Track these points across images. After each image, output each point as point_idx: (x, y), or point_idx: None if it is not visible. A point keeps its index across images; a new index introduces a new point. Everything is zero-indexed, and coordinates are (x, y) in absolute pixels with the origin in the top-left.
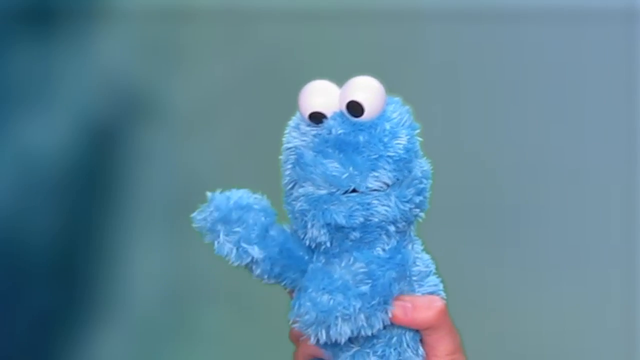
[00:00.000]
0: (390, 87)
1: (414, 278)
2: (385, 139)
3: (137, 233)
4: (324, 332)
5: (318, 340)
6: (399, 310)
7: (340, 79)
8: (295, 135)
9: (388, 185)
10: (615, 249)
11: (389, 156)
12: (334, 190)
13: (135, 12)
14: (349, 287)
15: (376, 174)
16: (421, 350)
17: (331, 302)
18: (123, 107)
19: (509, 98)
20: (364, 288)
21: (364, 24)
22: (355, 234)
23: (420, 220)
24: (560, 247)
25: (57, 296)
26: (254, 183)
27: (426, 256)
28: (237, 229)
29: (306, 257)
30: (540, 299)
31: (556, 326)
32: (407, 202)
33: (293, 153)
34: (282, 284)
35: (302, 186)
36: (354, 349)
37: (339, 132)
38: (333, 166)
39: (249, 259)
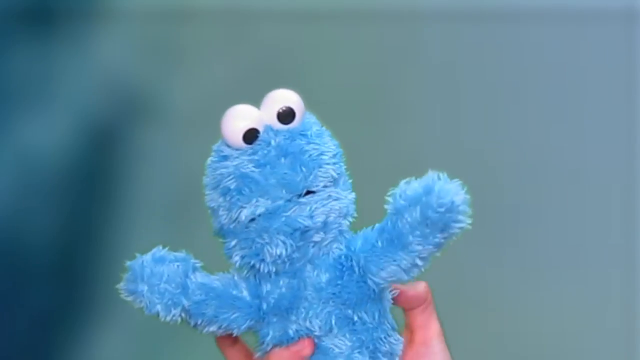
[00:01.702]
0: (391, 87)
1: None
2: (318, 140)
3: (137, 233)
4: None
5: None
6: (395, 291)
7: (340, 79)
8: (227, 164)
9: (333, 180)
10: (615, 249)
11: (327, 151)
12: (289, 196)
13: (135, 12)
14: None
15: (323, 169)
16: (399, 336)
17: None
18: (123, 107)
19: (509, 98)
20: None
21: (364, 24)
22: (319, 235)
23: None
24: (560, 247)
25: (57, 296)
26: None
27: None
28: (158, 282)
29: (240, 294)
30: (540, 299)
31: (556, 326)
32: (350, 193)
33: (232, 180)
34: (224, 326)
35: (256, 205)
36: (346, 353)
37: (278, 140)
38: (284, 172)
39: (179, 309)
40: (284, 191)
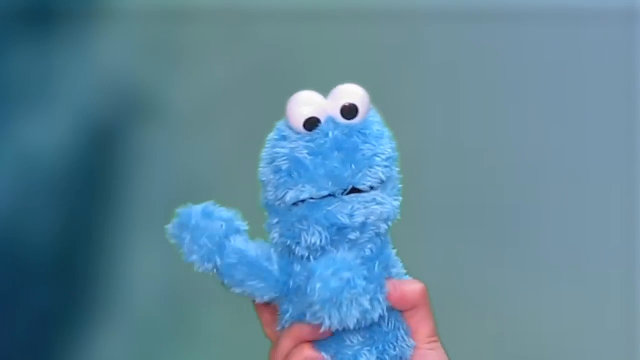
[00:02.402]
0: (390, 87)
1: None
2: (375, 141)
3: (137, 233)
4: (336, 312)
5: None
6: (389, 286)
7: (340, 79)
8: (284, 145)
9: (381, 183)
10: (615, 249)
11: (381, 153)
12: (335, 189)
13: (135, 12)
14: (352, 267)
15: (373, 170)
16: (412, 342)
17: (340, 282)
18: (123, 107)
19: (509, 98)
20: (365, 271)
21: (364, 24)
22: (355, 234)
23: (397, 221)
24: (560, 247)
25: (57, 296)
26: (253, 183)
27: (400, 262)
28: (200, 235)
29: (271, 267)
30: (540, 299)
31: (556, 326)
32: (397, 199)
33: (285, 162)
34: (248, 292)
35: (302, 191)
36: (356, 347)
37: (336, 133)
38: (334, 165)
39: (212, 265)
40: (330, 183)
